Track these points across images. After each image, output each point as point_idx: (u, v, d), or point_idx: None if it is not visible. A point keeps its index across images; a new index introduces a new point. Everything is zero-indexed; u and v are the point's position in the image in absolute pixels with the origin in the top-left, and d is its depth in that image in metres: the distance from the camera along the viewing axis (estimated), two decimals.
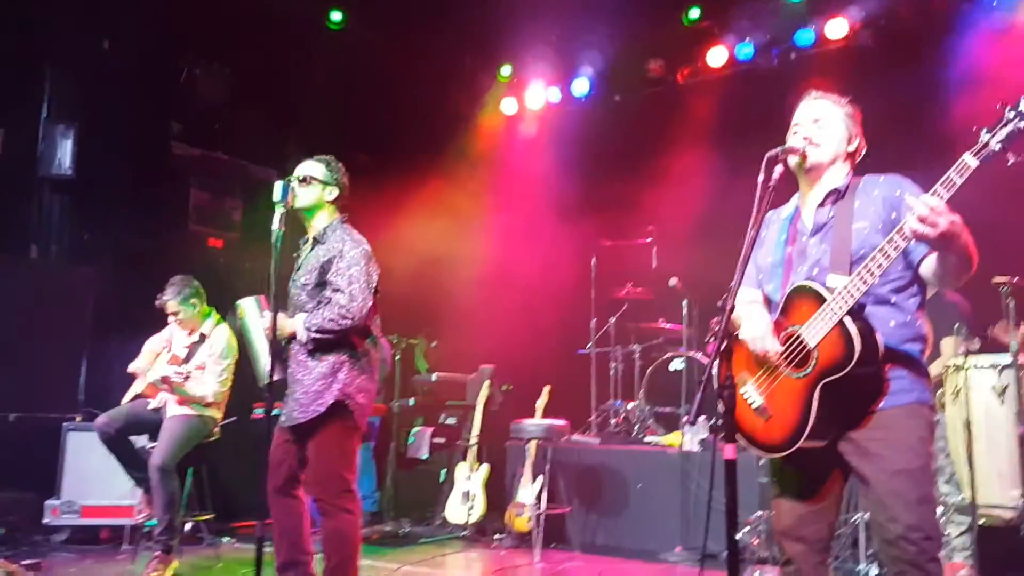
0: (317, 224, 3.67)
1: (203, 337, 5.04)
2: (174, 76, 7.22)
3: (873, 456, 2.33)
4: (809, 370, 2.35)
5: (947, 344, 4.86)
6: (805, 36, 7.05)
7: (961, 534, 4.74)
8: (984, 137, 2.14)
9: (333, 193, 3.68)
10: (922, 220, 2.11)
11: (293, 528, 3.56)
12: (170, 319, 5.13)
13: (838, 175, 2.56)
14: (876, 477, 2.32)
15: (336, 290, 3.47)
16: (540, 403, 6.25)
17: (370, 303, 3.51)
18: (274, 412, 3.50)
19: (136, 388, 5.11)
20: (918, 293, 2.47)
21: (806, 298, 2.40)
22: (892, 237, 2.24)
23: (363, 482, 6.69)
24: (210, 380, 4.98)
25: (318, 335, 3.45)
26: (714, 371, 2.30)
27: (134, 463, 4.95)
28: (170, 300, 5.04)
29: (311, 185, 3.63)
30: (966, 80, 5.87)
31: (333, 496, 3.45)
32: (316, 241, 3.64)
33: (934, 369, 4.91)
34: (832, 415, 2.34)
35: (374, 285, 3.57)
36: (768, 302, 2.64)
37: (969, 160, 2.14)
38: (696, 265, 6.27)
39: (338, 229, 3.63)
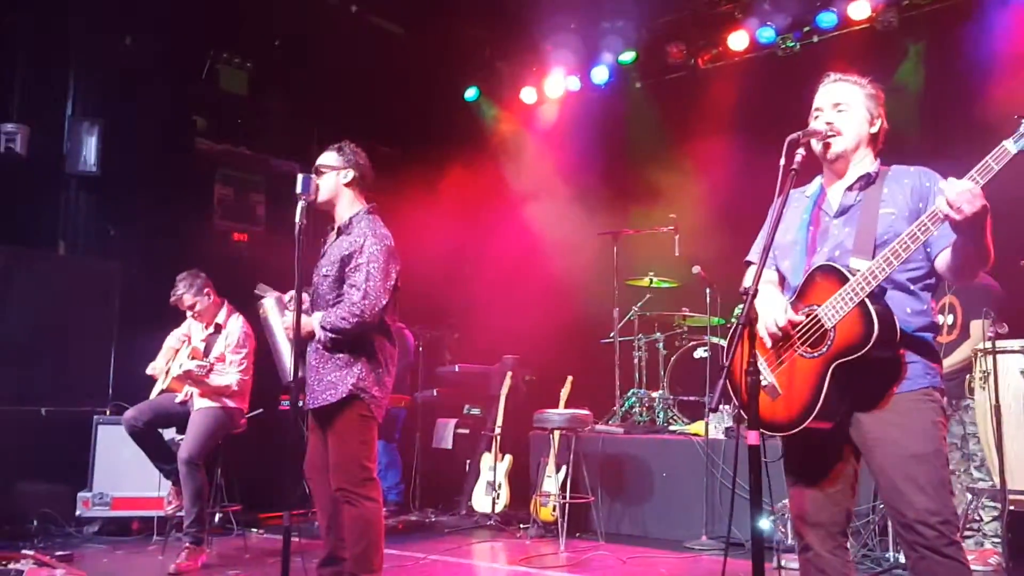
0: (342, 212, 3.66)
1: (218, 328, 5.10)
2: (196, 71, 7.27)
3: (887, 440, 2.33)
4: (824, 350, 2.35)
5: (976, 327, 4.80)
6: (827, 18, 6.95)
7: (992, 520, 4.69)
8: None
9: (348, 175, 3.66)
10: (956, 202, 2.10)
11: (340, 524, 3.57)
12: (187, 313, 5.19)
13: (866, 159, 2.54)
14: (890, 462, 2.31)
15: (352, 286, 3.47)
16: (563, 393, 6.26)
17: (385, 300, 3.49)
18: (300, 404, 3.53)
19: (159, 386, 5.17)
20: (934, 284, 2.48)
21: (827, 278, 2.39)
22: (922, 220, 2.25)
23: (390, 473, 6.77)
24: (231, 370, 5.03)
25: (333, 335, 3.47)
26: (728, 356, 2.30)
27: (163, 456, 5.02)
28: (185, 294, 5.10)
29: (325, 175, 3.64)
30: (997, 62, 5.77)
31: (355, 484, 3.46)
32: (341, 231, 3.63)
33: (963, 352, 4.85)
34: (843, 396, 2.34)
35: (392, 282, 3.54)
36: (782, 280, 2.62)
37: (1009, 146, 2.13)
38: (719, 253, 6.22)
39: (363, 220, 3.61)
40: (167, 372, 5.12)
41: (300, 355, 3.46)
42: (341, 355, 3.51)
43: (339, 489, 3.49)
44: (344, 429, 3.51)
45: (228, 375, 5.02)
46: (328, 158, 3.68)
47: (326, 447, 3.58)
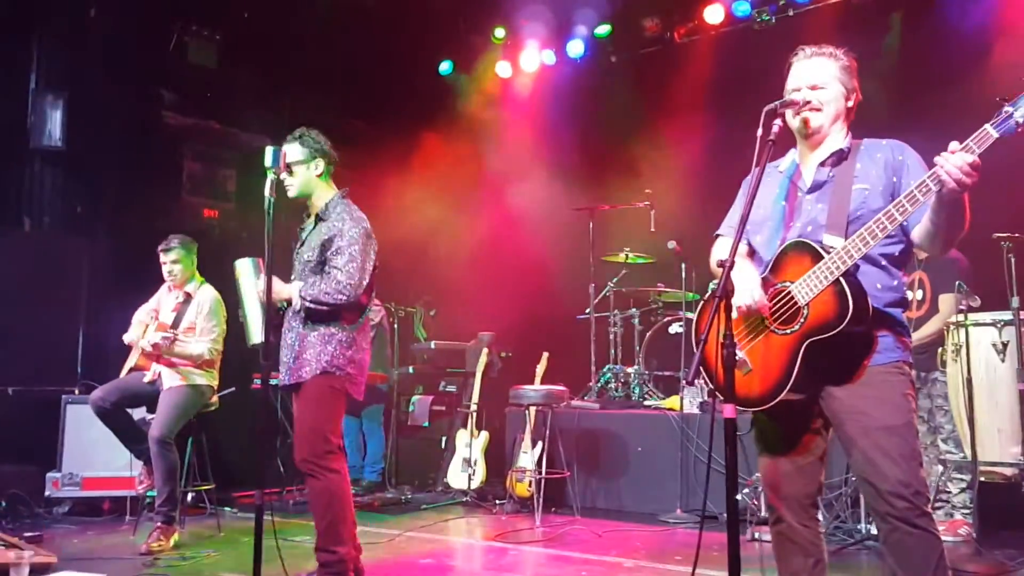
0: (317, 201, 3.72)
1: (188, 297, 5.03)
2: (164, 43, 7.10)
3: (858, 413, 2.34)
4: (797, 327, 2.34)
5: (946, 301, 4.84)
6: None
7: (961, 491, 4.76)
8: (1007, 110, 2.11)
9: (319, 166, 3.71)
10: (963, 175, 2.11)
11: None
12: (164, 270, 5.09)
13: (840, 134, 2.53)
14: (862, 434, 2.33)
15: (335, 267, 3.53)
16: (539, 369, 6.25)
17: (366, 282, 3.58)
18: (272, 382, 3.52)
19: (132, 360, 5.09)
20: (906, 258, 2.49)
21: (801, 254, 2.38)
22: (900, 201, 2.24)
23: (373, 451, 6.77)
24: (203, 339, 4.99)
25: (312, 305, 3.51)
26: (705, 330, 2.29)
27: (133, 436, 4.95)
28: (178, 248, 5.05)
29: (296, 170, 3.66)
30: (980, 33, 5.77)
31: (318, 456, 3.48)
32: (319, 218, 3.69)
33: (932, 325, 4.89)
34: (815, 372, 2.34)
35: (372, 263, 3.62)
36: (752, 254, 2.61)
37: (991, 131, 2.13)
38: (695, 228, 6.20)
39: (339, 205, 3.68)
40: (137, 346, 5.04)
41: (275, 327, 3.47)
42: (316, 333, 3.55)
43: (302, 460, 3.51)
44: (311, 401, 3.54)
45: (200, 344, 4.96)
46: (295, 152, 3.68)
47: None
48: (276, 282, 3.47)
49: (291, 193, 3.65)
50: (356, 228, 3.57)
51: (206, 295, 5.08)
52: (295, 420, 3.60)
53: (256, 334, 3.52)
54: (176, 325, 4.97)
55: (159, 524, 4.68)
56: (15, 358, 5.81)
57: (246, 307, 3.62)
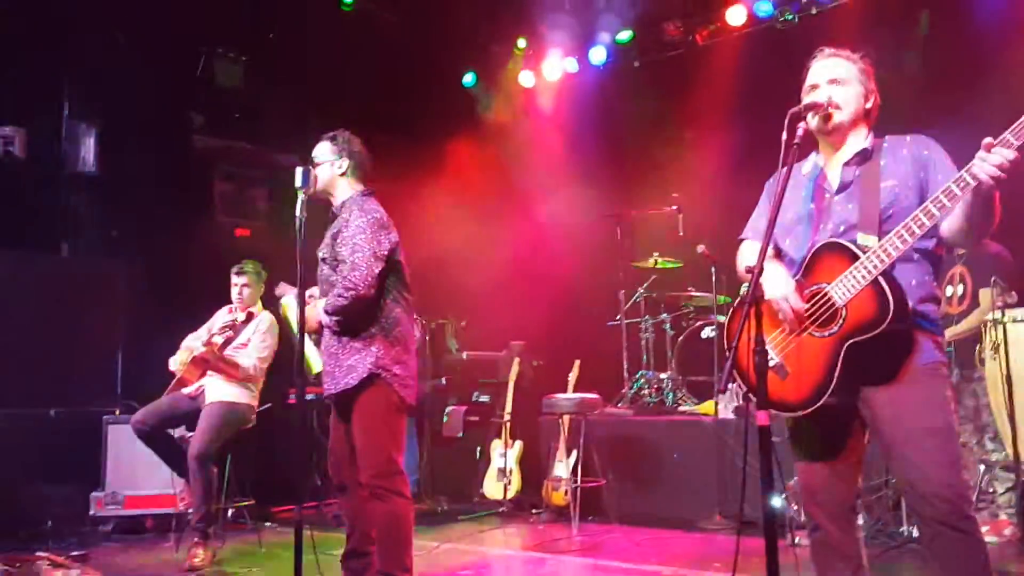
0: (338, 201, 3.70)
1: (250, 316, 5.12)
2: (191, 67, 7.23)
3: (899, 415, 2.31)
4: (835, 329, 2.32)
5: (985, 295, 4.76)
6: None
7: (1006, 491, 4.67)
8: None
9: (344, 165, 3.68)
10: (1000, 171, 2.10)
11: (365, 519, 3.54)
12: (234, 291, 5.23)
13: (861, 134, 2.52)
14: (903, 437, 2.30)
15: (340, 260, 3.48)
16: (572, 377, 6.24)
17: (376, 269, 3.43)
18: (308, 397, 3.51)
19: (173, 383, 5.17)
20: (939, 254, 2.45)
21: (835, 256, 2.36)
22: (938, 197, 2.21)
23: (407, 460, 6.79)
24: (252, 353, 5.09)
25: (337, 316, 3.45)
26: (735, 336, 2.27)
27: (174, 456, 5.03)
28: (249, 272, 5.23)
29: (321, 166, 3.67)
30: (1007, 28, 5.68)
31: (383, 478, 3.39)
32: (335, 215, 3.68)
33: (973, 320, 4.81)
34: (855, 374, 2.32)
35: (384, 251, 3.49)
36: (780, 257, 2.59)
37: None
38: (723, 231, 6.17)
39: (355, 202, 3.62)
40: (184, 362, 5.13)
41: (316, 344, 3.46)
42: (357, 338, 3.46)
43: (367, 484, 3.42)
44: (369, 417, 3.44)
45: (249, 356, 5.06)
46: (322, 149, 3.70)
47: (349, 437, 3.53)
48: (310, 308, 3.48)
49: (316, 187, 3.59)
50: (364, 217, 3.50)
51: (265, 316, 5.23)
52: (355, 441, 3.48)
53: (316, 363, 3.49)
54: (232, 339, 5.05)
55: (197, 540, 4.74)
56: (56, 381, 5.94)
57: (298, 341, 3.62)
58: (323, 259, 3.62)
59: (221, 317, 5.31)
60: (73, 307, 6.12)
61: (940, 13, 6.27)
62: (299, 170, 3.40)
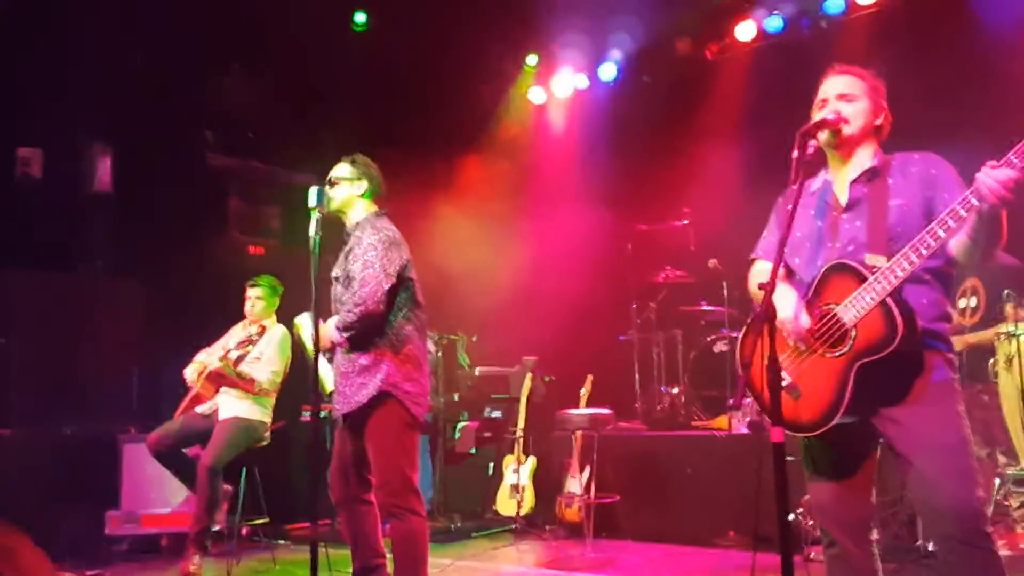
0: (353, 220, 3.74)
1: (262, 330, 5.15)
2: (204, 85, 7.31)
3: (912, 433, 2.31)
4: (846, 350, 2.32)
5: (1008, 309, 4.74)
6: (835, 4, 6.89)
7: (1021, 505, 4.64)
8: None
9: (361, 187, 3.73)
10: (1005, 192, 2.11)
11: (366, 534, 3.56)
12: (247, 304, 5.28)
13: (869, 151, 2.53)
14: (917, 454, 2.30)
15: (350, 278, 3.52)
16: (584, 392, 6.24)
17: (386, 285, 3.45)
18: (322, 415, 3.54)
19: (186, 400, 5.21)
20: (949, 273, 2.45)
21: (843, 276, 2.37)
22: (943, 219, 2.21)
23: (420, 478, 6.79)
24: (265, 367, 5.12)
25: (347, 333, 3.48)
26: (748, 354, 2.28)
27: (189, 475, 5.05)
28: (263, 285, 5.29)
29: (338, 186, 3.71)
30: (1017, 43, 5.67)
31: (400, 497, 3.42)
32: (349, 235, 3.71)
33: (987, 333, 4.79)
34: (867, 393, 2.32)
35: (395, 269, 3.51)
36: (791, 275, 2.60)
37: None
38: (735, 245, 6.18)
39: (367, 221, 3.67)
40: (200, 374, 5.17)
41: (329, 362, 3.49)
42: (367, 355, 3.50)
43: (383, 504, 3.46)
44: (382, 435, 3.46)
45: (263, 370, 5.09)
46: (342, 170, 3.75)
47: (353, 454, 3.55)
48: (322, 327, 3.50)
49: (331, 207, 3.63)
50: (376, 235, 3.55)
51: (277, 331, 5.26)
52: (370, 459, 3.50)
53: (330, 382, 3.53)
54: (245, 352, 5.09)
55: (193, 550, 4.75)
56: (72, 399, 5.98)
57: (321, 364, 3.65)
58: (336, 278, 3.66)
59: (236, 333, 5.35)
60: (89, 326, 6.18)
61: (948, 26, 6.27)
62: (313, 189, 3.44)
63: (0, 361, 5.90)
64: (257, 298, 5.30)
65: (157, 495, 5.62)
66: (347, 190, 3.71)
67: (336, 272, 3.67)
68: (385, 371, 3.46)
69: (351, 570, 3.64)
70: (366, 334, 3.49)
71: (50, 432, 5.82)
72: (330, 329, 3.54)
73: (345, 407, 3.52)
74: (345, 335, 3.49)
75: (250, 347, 5.03)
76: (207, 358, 5.27)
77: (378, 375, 3.46)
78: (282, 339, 5.22)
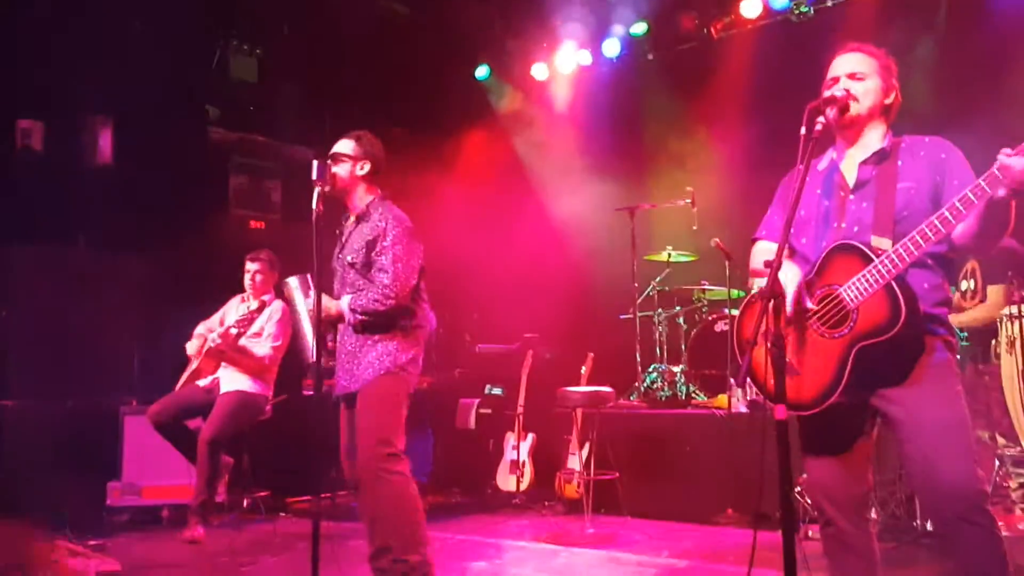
0: (357, 201, 3.70)
1: (262, 305, 5.15)
2: (206, 60, 7.26)
3: (912, 412, 2.32)
4: (846, 331, 2.32)
5: (994, 292, 4.74)
6: None
7: (1019, 486, 4.66)
8: None
9: (365, 167, 3.69)
10: (1021, 178, 2.09)
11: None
12: (247, 277, 5.30)
13: (878, 131, 2.51)
14: (916, 433, 2.31)
15: (380, 270, 3.51)
16: (584, 370, 6.25)
17: (413, 281, 3.55)
18: (323, 388, 3.55)
19: (188, 371, 5.23)
20: (951, 256, 2.45)
21: (848, 257, 2.36)
22: (954, 204, 2.20)
23: (420, 452, 6.84)
24: (266, 343, 5.14)
25: (363, 316, 3.51)
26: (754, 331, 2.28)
27: (190, 447, 5.08)
28: (264, 259, 5.32)
29: (342, 163, 3.66)
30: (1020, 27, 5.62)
31: (380, 459, 3.44)
32: (360, 219, 3.67)
33: (980, 312, 4.79)
34: (865, 375, 2.32)
35: (418, 262, 3.60)
36: (794, 254, 2.59)
37: None
38: (738, 225, 6.17)
39: (381, 206, 3.65)
40: (201, 349, 5.18)
41: (322, 340, 3.50)
42: (375, 335, 3.54)
43: (367, 467, 3.46)
44: (377, 403, 3.50)
45: (263, 346, 5.11)
46: (347, 147, 3.70)
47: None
48: (325, 299, 3.50)
49: (332, 183, 3.58)
50: (400, 227, 3.56)
51: (277, 305, 5.26)
52: (356, 425, 3.52)
53: (311, 352, 3.53)
54: (246, 327, 5.09)
55: (195, 522, 4.78)
56: (73, 372, 5.99)
57: (301, 324, 3.67)
58: (351, 264, 3.61)
59: (234, 306, 5.35)
60: (90, 299, 6.18)
61: (959, 7, 6.21)
62: (315, 163, 3.42)
63: (1, 333, 5.91)
64: (257, 272, 5.30)
65: (158, 467, 5.64)
66: (350, 168, 3.66)
67: (351, 257, 3.62)
68: (394, 352, 3.53)
69: (354, 542, 3.65)
70: (382, 319, 3.53)
71: (52, 404, 5.84)
72: (343, 307, 3.55)
73: (354, 385, 3.54)
74: (362, 317, 3.50)
75: (250, 323, 5.03)
76: (206, 331, 5.28)
77: (387, 356, 3.52)
78: (283, 315, 5.22)
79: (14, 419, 5.67)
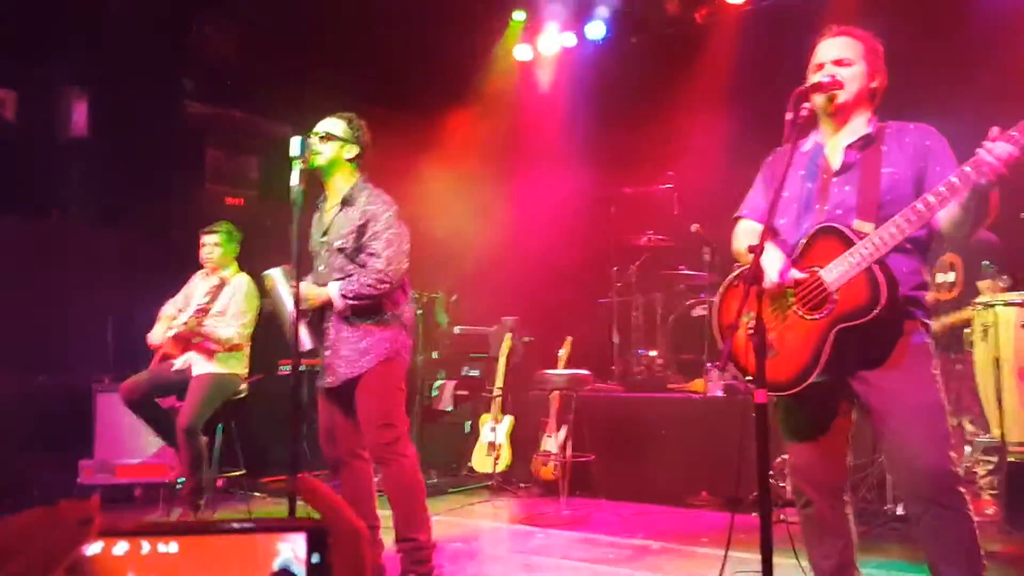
0: (339, 184, 3.65)
1: (223, 282, 5.07)
2: (184, 33, 7.13)
3: (888, 394, 2.34)
4: (826, 312, 2.33)
5: (984, 287, 4.78)
6: None
7: (988, 473, 4.73)
8: None
9: (352, 151, 3.65)
10: (1003, 167, 2.10)
11: (361, 495, 3.58)
12: (204, 251, 5.17)
13: (864, 116, 2.52)
14: (893, 415, 2.33)
15: (372, 254, 3.50)
16: (562, 353, 6.26)
17: (406, 265, 3.56)
18: (301, 368, 3.54)
19: (158, 355, 5.15)
20: (930, 243, 2.48)
21: (830, 239, 2.37)
22: (939, 190, 2.21)
23: None
24: (232, 322, 5.03)
25: (355, 301, 3.49)
26: (734, 314, 2.28)
27: (162, 426, 5.02)
28: (220, 232, 5.16)
29: (330, 142, 3.60)
30: (1016, 18, 5.63)
31: (389, 443, 3.49)
32: (345, 203, 3.62)
33: (965, 312, 4.83)
34: (844, 356, 2.35)
35: (407, 246, 3.60)
36: (773, 236, 2.60)
37: None
38: (718, 210, 6.17)
39: (365, 190, 3.62)
40: (165, 336, 5.10)
41: (309, 324, 3.50)
42: (370, 323, 3.54)
43: (374, 452, 3.54)
44: (376, 389, 3.53)
45: (229, 327, 5.01)
46: (337, 127, 3.64)
47: (345, 417, 3.58)
48: (311, 287, 3.51)
49: (316, 161, 3.55)
50: (389, 211, 3.55)
51: (240, 280, 5.15)
52: (359, 411, 3.55)
53: (306, 341, 3.51)
54: (208, 307, 5.01)
55: (186, 510, 4.76)
56: (46, 347, 5.91)
57: (292, 316, 3.61)
58: (340, 249, 3.57)
59: (198, 284, 5.24)
60: (63, 273, 6.09)
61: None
62: (296, 140, 3.36)
63: None
64: (215, 244, 5.16)
65: (131, 445, 5.59)
66: (335, 150, 3.62)
67: (340, 243, 3.57)
68: (390, 339, 3.55)
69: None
70: (372, 305, 3.53)
71: (23, 380, 5.75)
72: (332, 293, 3.51)
73: (351, 372, 3.53)
74: (353, 302, 3.49)
75: (211, 302, 4.95)
76: (174, 310, 5.19)
77: (384, 343, 3.54)
78: (247, 291, 5.11)
79: None
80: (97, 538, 0.64)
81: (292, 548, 0.66)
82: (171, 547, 0.65)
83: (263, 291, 4.56)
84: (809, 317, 2.37)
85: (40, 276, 5.96)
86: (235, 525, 0.67)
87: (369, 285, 3.46)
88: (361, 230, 3.54)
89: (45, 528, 0.63)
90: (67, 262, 6.13)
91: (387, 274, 3.47)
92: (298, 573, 0.66)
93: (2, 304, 5.76)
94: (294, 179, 3.30)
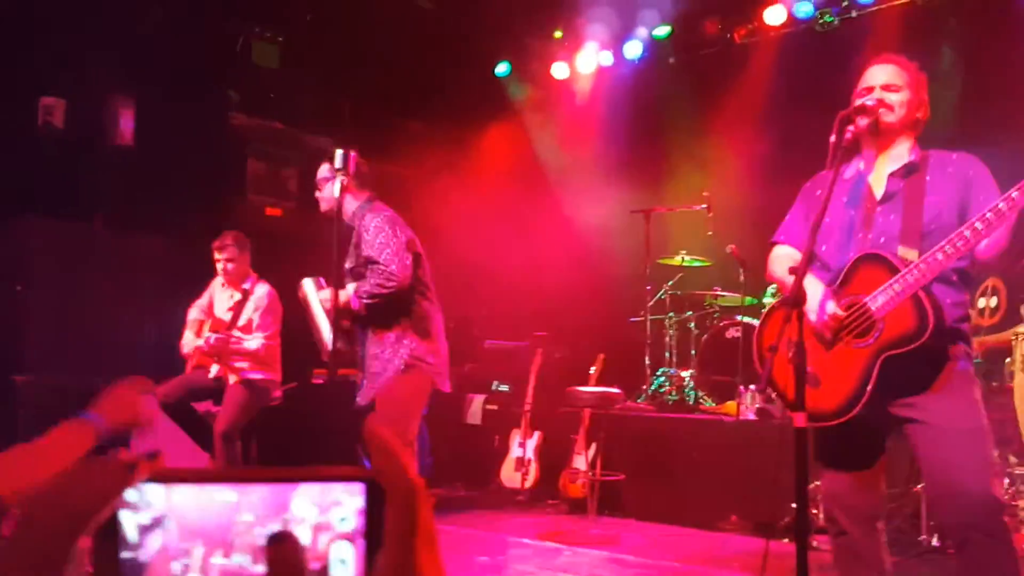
0: (347, 213, 3.83)
1: (245, 294, 5.13)
2: (229, 45, 7.28)
3: (932, 423, 2.31)
4: (871, 341, 2.31)
5: None
6: None
7: None
8: None
9: (336, 187, 3.72)
10: None
11: None
12: (219, 267, 5.22)
13: (907, 144, 2.51)
14: (936, 443, 2.30)
15: (371, 261, 3.62)
16: (594, 371, 6.25)
17: (408, 259, 3.63)
18: (338, 375, 3.61)
19: (193, 360, 5.23)
20: (973, 273, 2.46)
21: (874, 267, 2.36)
22: (985, 215, 2.20)
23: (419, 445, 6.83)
24: (257, 334, 5.09)
25: (368, 300, 3.60)
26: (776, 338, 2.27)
27: (198, 429, 5.09)
28: (233, 246, 5.16)
29: (324, 187, 3.84)
30: None
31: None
32: (351, 228, 3.83)
33: (1005, 335, 4.76)
34: (889, 385, 2.32)
35: (406, 241, 3.68)
36: (812, 261, 2.58)
37: None
38: (753, 231, 6.16)
39: (362, 209, 3.81)
40: (196, 348, 5.18)
41: (338, 327, 3.56)
42: (392, 332, 3.64)
43: None
44: (391, 394, 3.61)
45: (255, 339, 5.06)
46: (322, 171, 3.86)
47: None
48: (333, 292, 3.60)
49: (323, 207, 3.81)
50: (377, 217, 3.69)
51: (262, 291, 5.20)
52: (377, 410, 3.64)
53: (330, 346, 3.60)
54: (234, 323, 5.07)
55: None
56: (85, 349, 6.01)
57: (320, 323, 3.73)
58: (350, 269, 3.73)
59: (220, 294, 5.30)
60: (105, 278, 6.20)
61: (983, 18, 6.18)
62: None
63: (17, 309, 5.94)
64: (228, 260, 5.14)
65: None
66: (330, 189, 3.77)
67: (348, 264, 3.76)
68: (408, 346, 3.64)
69: None
70: (386, 308, 3.60)
71: (64, 381, 5.85)
72: (349, 294, 3.62)
73: (373, 389, 3.64)
74: (367, 301, 3.55)
75: (235, 318, 5.01)
76: (197, 313, 5.26)
77: (402, 351, 3.63)
78: (269, 301, 5.15)
79: (31, 395, 5.69)
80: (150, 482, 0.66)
81: (349, 497, 0.68)
82: (229, 496, 0.68)
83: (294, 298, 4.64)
84: (854, 346, 2.35)
85: (83, 279, 6.08)
86: (293, 475, 0.69)
87: (378, 284, 3.57)
88: (358, 246, 3.70)
89: (92, 473, 0.66)
90: (109, 266, 6.25)
91: (393, 273, 3.56)
92: (348, 526, 0.68)
93: (45, 305, 5.88)
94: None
